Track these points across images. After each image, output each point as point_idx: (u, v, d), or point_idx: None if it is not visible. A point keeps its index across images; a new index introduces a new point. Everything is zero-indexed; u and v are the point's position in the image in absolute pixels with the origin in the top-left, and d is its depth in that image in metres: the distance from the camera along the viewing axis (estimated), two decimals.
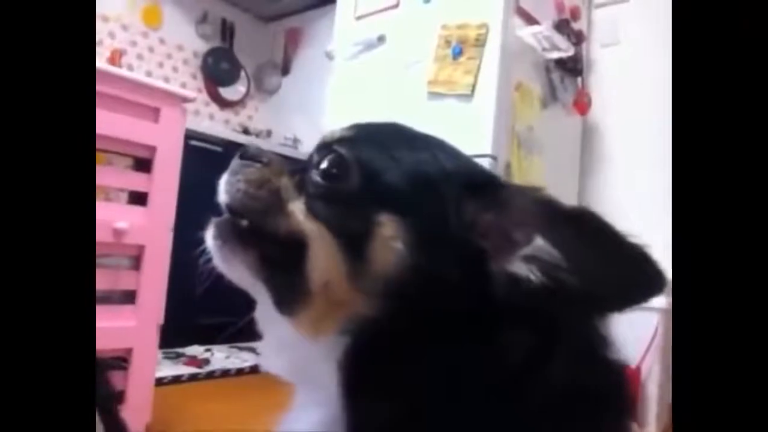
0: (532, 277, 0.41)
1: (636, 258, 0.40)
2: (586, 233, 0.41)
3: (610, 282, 0.40)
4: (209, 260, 0.53)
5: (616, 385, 0.46)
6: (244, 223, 0.53)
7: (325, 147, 0.52)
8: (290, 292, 0.48)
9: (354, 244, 0.46)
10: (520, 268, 0.42)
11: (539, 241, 0.42)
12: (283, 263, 0.49)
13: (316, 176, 0.50)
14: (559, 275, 0.40)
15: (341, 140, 0.52)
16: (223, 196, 0.54)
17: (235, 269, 0.52)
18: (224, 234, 0.53)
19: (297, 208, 0.50)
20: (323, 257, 0.47)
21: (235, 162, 0.55)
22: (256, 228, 0.52)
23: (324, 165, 0.50)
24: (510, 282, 0.42)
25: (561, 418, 0.41)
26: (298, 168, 0.54)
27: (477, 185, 0.48)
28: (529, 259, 0.42)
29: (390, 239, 0.45)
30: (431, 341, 0.43)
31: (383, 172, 0.48)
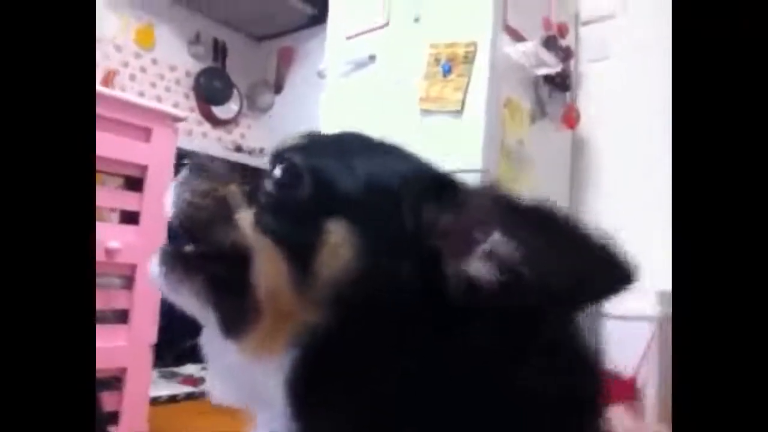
0: (489, 276, 0.40)
1: (595, 251, 0.38)
2: (542, 225, 0.40)
3: (565, 274, 0.39)
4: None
5: (589, 385, 0.45)
6: (189, 248, 0.51)
7: (278, 155, 0.51)
8: (237, 311, 0.47)
9: (301, 253, 0.45)
10: (477, 268, 0.41)
11: (496, 236, 0.40)
12: (228, 282, 0.48)
13: (267, 185, 0.49)
14: (516, 269, 0.39)
15: (294, 148, 0.51)
16: (169, 208, 0.52)
17: (182, 296, 0.51)
18: (168, 261, 0.51)
19: (244, 218, 0.49)
20: (268, 269, 0.46)
21: (183, 173, 0.54)
22: (201, 251, 0.50)
23: (276, 173, 0.49)
24: (467, 284, 0.41)
25: (530, 421, 0.41)
26: (250, 179, 0.53)
27: (434, 187, 0.47)
28: (486, 256, 0.40)
29: (338, 246, 0.44)
30: (384, 349, 0.42)
31: (336, 180, 0.47)
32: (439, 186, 0.48)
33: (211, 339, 0.50)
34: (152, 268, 0.52)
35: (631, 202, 2.12)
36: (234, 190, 0.51)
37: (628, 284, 0.38)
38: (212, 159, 0.56)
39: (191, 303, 0.50)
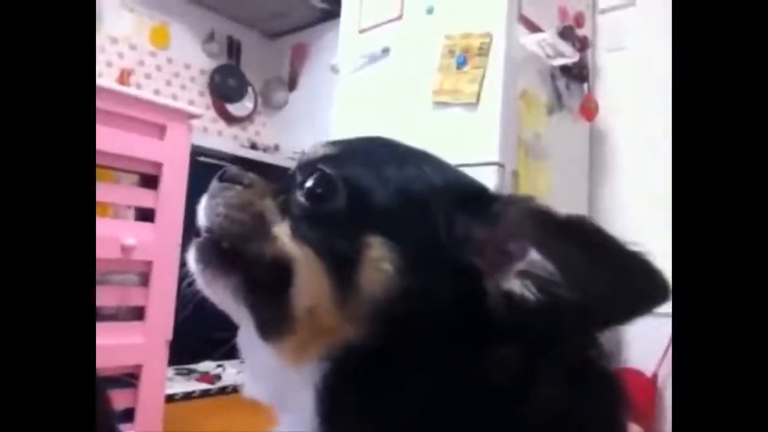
0: (528, 294, 0.39)
1: (637, 267, 0.37)
2: (581, 244, 0.39)
3: (609, 295, 0.38)
4: (191, 283, 0.51)
5: (611, 401, 0.44)
6: (226, 244, 0.50)
7: (309, 165, 0.50)
8: (274, 318, 0.46)
9: (342, 267, 0.44)
10: (515, 284, 0.40)
11: (534, 255, 0.40)
12: (267, 288, 0.47)
13: (300, 197, 0.48)
14: (555, 291, 0.38)
15: (325, 158, 0.50)
16: (202, 221, 0.51)
17: (218, 293, 0.50)
18: (206, 257, 0.50)
19: (282, 231, 0.48)
20: (310, 282, 0.45)
21: (215, 184, 0.53)
22: (239, 251, 0.49)
23: (309, 185, 0.48)
24: (505, 300, 0.40)
25: None
26: (281, 188, 0.52)
27: (467, 199, 0.46)
28: (524, 275, 0.40)
29: (379, 261, 0.43)
30: (417, 365, 0.42)
31: (371, 191, 0.46)
32: (472, 196, 0.46)
33: (247, 336, 0.50)
34: (189, 261, 0.51)
35: (651, 195, 2.07)
36: (269, 204, 0.50)
37: (666, 300, 0.37)
38: (240, 167, 0.55)
39: (226, 300, 0.50)
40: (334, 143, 0.52)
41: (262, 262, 0.47)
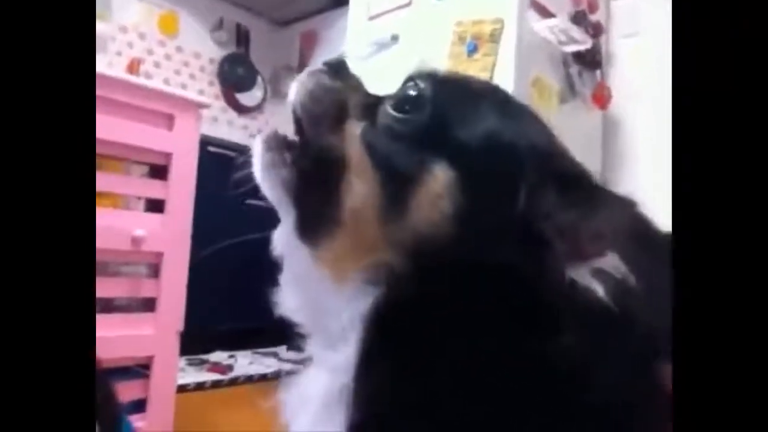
0: (597, 290, 0.36)
1: None
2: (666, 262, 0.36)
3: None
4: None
5: (661, 398, 0.41)
6: (293, 137, 0.50)
7: (410, 78, 0.48)
8: (317, 216, 0.45)
9: (396, 183, 0.42)
10: (584, 277, 0.37)
11: (615, 260, 0.36)
12: (317, 182, 0.46)
13: (387, 104, 0.47)
14: (629, 302, 0.35)
15: (429, 76, 0.47)
16: (292, 95, 0.51)
17: (271, 180, 0.49)
18: (270, 142, 0.50)
19: (353, 128, 0.47)
20: (361, 185, 0.44)
21: (317, 66, 0.53)
22: (304, 142, 0.49)
23: (400, 94, 0.47)
24: (569, 286, 0.37)
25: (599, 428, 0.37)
26: (382, 96, 0.51)
27: (566, 177, 0.42)
28: (598, 273, 0.37)
29: (437, 192, 0.41)
30: (464, 324, 0.39)
31: (457, 120, 0.43)
32: (571, 176, 0.43)
33: (287, 239, 0.49)
34: (254, 149, 0.51)
35: (666, 184, 2.04)
36: (357, 100, 0.50)
37: None
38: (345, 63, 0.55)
39: (276, 191, 0.49)
40: (445, 70, 0.50)
41: (320, 151, 0.47)
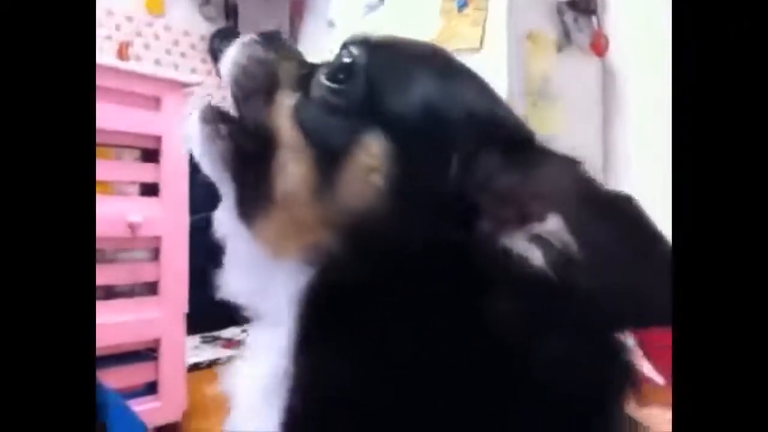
0: (534, 258, 0.34)
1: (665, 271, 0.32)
2: (617, 226, 0.34)
3: (630, 293, 0.33)
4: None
5: (619, 365, 0.39)
6: (231, 111, 0.49)
7: (345, 45, 0.46)
8: (253, 194, 0.44)
9: (327, 158, 0.41)
10: (521, 246, 0.35)
11: (555, 222, 0.34)
12: (252, 159, 0.45)
13: (321, 74, 0.45)
14: (569, 270, 0.33)
15: (363, 42, 0.45)
16: (223, 67, 0.50)
17: (209, 155, 0.48)
18: (207, 115, 0.49)
19: (285, 100, 0.46)
20: (289, 163, 0.43)
21: (249, 37, 0.51)
22: (241, 117, 0.48)
23: (334, 63, 0.45)
24: (504, 255, 0.35)
25: (550, 402, 0.36)
26: (317, 65, 0.49)
27: (505, 140, 0.40)
28: (535, 239, 0.34)
29: (368, 166, 0.39)
30: (402, 303, 0.38)
31: (391, 89, 0.42)
32: (511, 137, 0.41)
33: (228, 218, 0.48)
34: (192, 123, 0.49)
35: (666, 137, 1.99)
36: (289, 70, 0.48)
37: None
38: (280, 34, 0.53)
39: (215, 167, 0.48)
40: (382, 35, 0.48)
41: (254, 127, 0.46)
